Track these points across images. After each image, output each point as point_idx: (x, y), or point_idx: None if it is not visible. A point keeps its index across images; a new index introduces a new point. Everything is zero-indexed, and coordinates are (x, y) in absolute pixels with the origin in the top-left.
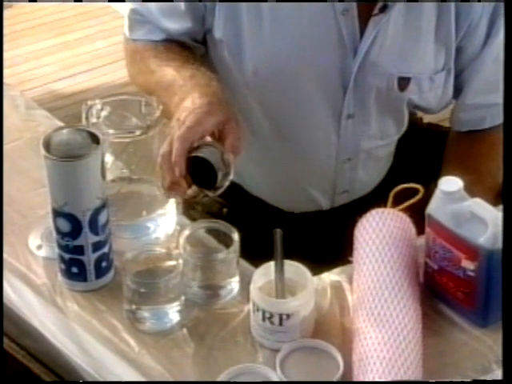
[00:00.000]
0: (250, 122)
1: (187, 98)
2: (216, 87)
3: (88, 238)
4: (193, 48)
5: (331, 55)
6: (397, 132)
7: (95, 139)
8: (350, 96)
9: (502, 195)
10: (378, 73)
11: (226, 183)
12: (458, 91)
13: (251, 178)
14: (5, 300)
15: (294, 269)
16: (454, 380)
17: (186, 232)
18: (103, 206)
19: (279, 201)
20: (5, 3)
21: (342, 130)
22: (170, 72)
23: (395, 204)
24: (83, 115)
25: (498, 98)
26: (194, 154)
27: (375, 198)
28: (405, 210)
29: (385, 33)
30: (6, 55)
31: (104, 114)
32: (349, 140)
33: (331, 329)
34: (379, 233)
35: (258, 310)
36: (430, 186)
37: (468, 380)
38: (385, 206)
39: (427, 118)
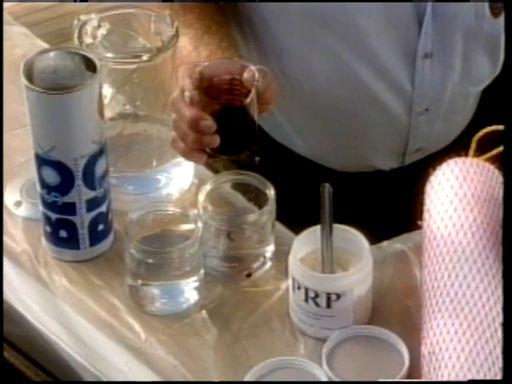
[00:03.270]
0: (302, 67)
1: None
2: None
3: (81, 194)
4: None
5: None
6: (491, 74)
7: (91, 65)
8: (426, 29)
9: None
10: None
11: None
12: None
13: (298, 138)
14: None
15: (346, 235)
16: None
17: (207, 187)
18: (101, 153)
19: (330, 161)
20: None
21: (417, 74)
22: (185, 45)
23: (480, 152)
24: (75, 34)
25: None
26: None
27: (454, 150)
28: (492, 160)
29: None
30: None
31: (102, 32)
32: (426, 86)
33: (393, 313)
34: (458, 189)
35: (298, 287)
36: None
37: None
38: (466, 155)
39: None
